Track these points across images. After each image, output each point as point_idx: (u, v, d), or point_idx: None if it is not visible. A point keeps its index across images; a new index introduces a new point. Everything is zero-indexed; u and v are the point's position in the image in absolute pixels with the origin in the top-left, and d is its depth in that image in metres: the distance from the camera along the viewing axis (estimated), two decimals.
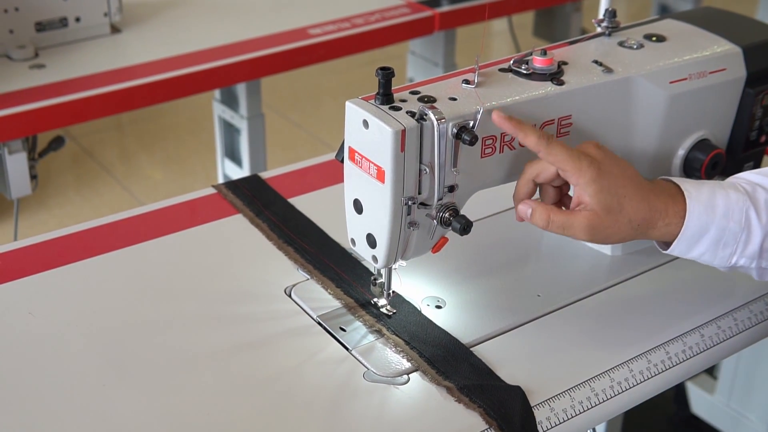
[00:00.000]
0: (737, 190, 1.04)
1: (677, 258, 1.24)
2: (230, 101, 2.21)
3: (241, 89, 2.15)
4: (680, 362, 1.10)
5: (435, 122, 0.99)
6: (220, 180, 2.36)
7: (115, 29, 1.95)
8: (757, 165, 1.32)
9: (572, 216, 1.02)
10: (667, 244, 1.06)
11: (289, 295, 1.16)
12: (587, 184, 1.01)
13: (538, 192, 1.08)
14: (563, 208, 1.07)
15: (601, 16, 1.22)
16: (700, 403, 2.03)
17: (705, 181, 1.06)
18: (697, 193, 1.04)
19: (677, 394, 2.09)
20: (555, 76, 1.09)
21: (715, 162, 1.21)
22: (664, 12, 3.29)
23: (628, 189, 1.02)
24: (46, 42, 1.86)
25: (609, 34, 1.21)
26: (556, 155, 1.01)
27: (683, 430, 2.11)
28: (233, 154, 2.31)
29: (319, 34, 1.96)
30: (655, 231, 1.04)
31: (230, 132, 2.28)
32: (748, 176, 1.08)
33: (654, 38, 1.20)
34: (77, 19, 1.87)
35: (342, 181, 1.07)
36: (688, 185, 1.05)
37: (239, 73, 1.88)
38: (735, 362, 1.91)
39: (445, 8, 2.10)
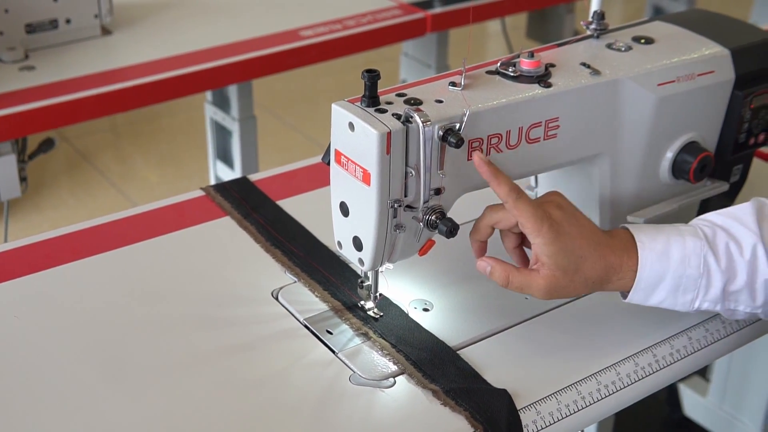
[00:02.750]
0: (696, 236, 1.04)
1: None
2: (222, 103, 2.21)
3: (232, 91, 2.15)
4: (667, 365, 1.10)
5: (421, 125, 0.99)
6: (213, 182, 2.36)
7: (105, 31, 1.95)
8: (746, 168, 1.31)
9: (530, 277, 1.03)
10: (626, 294, 1.07)
11: (276, 298, 1.16)
12: (545, 244, 1.02)
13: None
14: (523, 252, 1.09)
15: (590, 18, 1.22)
16: (693, 405, 2.03)
17: (662, 228, 1.06)
18: (651, 242, 1.04)
19: (670, 396, 2.09)
20: (542, 78, 1.09)
21: (704, 164, 1.21)
22: (658, 14, 3.28)
23: (585, 250, 1.03)
24: (37, 44, 1.85)
25: (597, 37, 1.21)
26: (522, 211, 1.02)
27: None
28: (225, 156, 2.30)
29: (310, 35, 1.96)
30: (610, 285, 1.05)
31: (222, 134, 2.28)
32: (711, 218, 1.08)
33: (642, 40, 1.20)
34: (68, 21, 1.87)
35: (330, 183, 1.07)
36: (642, 235, 1.05)
37: (230, 74, 1.88)
38: (727, 365, 1.90)
39: (437, 10, 2.10)
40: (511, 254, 1.09)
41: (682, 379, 2.00)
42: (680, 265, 1.03)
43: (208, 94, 2.25)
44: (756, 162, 1.41)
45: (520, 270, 1.04)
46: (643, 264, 1.04)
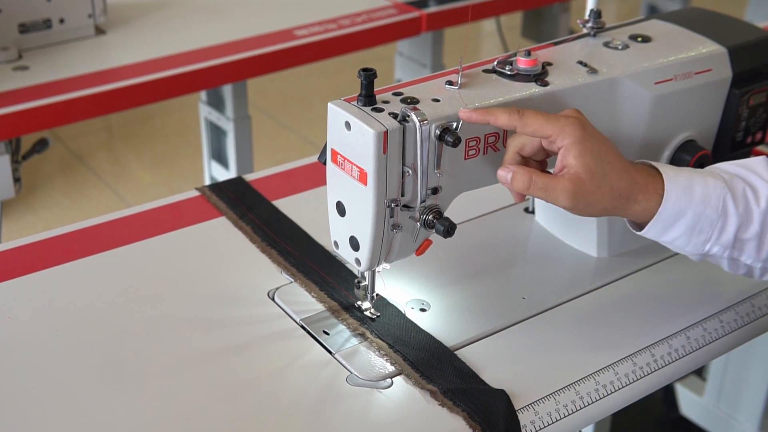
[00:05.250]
0: (715, 178, 1.03)
1: (663, 260, 1.24)
2: (216, 103, 2.20)
3: (227, 91, 2.15)
4: (666, 365, 1.10)
5: (417, 124, 0.98)
6: (207, 182, 2.35)
7: (99, 31, 1.94)
8: None
9: (555, 178, 0.99)
10: (641, 226, 1.04)
11: (273, 299, 1.15)
12: (572, 144, 0.98)
13: None
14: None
15: (586, 17, 1.21)
16: (690, 404, 2.03)
17: (683, 168, 1.05)
18: (676, 176, 1.02)
19: (666, 396, 2.08)
20: (539, 77, 1.09)
21: (701, 163, 1.21)
22: (653, 13, 3.28)
23: (610, 156, 1.00)
24: (30, 44, 1.84)
25: (594, 35, 1.20)
26: (533, 124, 0.99)
27: None
28: (220, 156, 2.30)
29: (305, 35, 1.95)
30: (636, 206, 1.01)
31: (217, 134, 2.27)
32: (726, 167, 1.06)
33: (639, 39, 1.20)
34: (61, 21, 1.86)
35: (326, 182, 1.06)
36: (666, 168, 1.03)
37: (225, 74, 1.87)
38: (724, 364, 1.90)
39: (432, 9, 2.10)
40: None
41: (679, 379, 2.00)
42: (701, 203, 1.01)
43: (203, 94, 2.24)
44: None
45: (544, 172, 0.99)
46: (669, 194, 1.01)
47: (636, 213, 1.02)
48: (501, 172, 1.01)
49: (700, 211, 1.01)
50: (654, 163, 1.04)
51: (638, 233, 1.05)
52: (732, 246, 1.03)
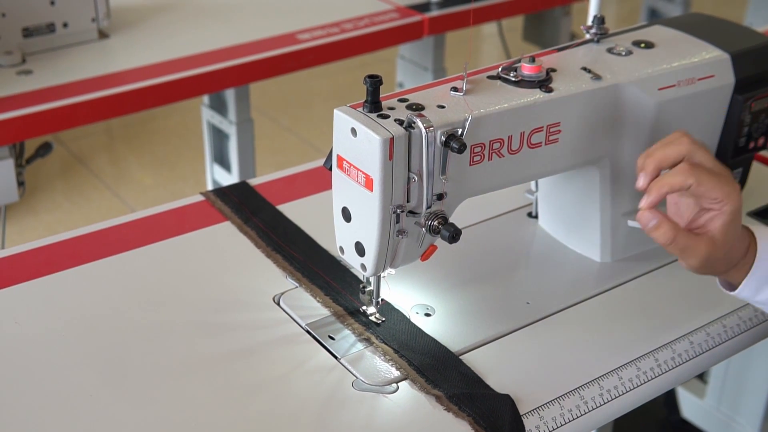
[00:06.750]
0: None
1: (666, 265, 1.24)
2: (219, 106, 2.21)
3: (229, 95, 2.15)
4: (669, 369, 1.10)
5: (423, 130, 0.99)
6: (209, 185, 2.36)
7: (102, 35, 1.95)
8: (746, 171, 1.32)
9: (696, 241, 0.98)
10: (733, 287, 1.04)
11: (278, 304, 1.16)
12: (729, 213, 0.97)
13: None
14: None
15: (589, 23, 1.22)
16: (691, 407, 2.03)
17: None
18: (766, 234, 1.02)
19: (667, 398, 2.09)
20: (543, 83, 1.09)
21: None
22: (654, 16, 3.29)
23: (740, 226, 1.00)
24: (34, 48, 1.85)
25: (597, 41, 1.21)
26: (706, 183, 0.96)
27: None
28: (222, 160, 2.30)
29: (307, 39, 1.96)
30: (735, 270, 1.02)
31: (219, 137, 2.28)
32: None
33: (642, 45, 1.20)
34: (65, 25, 1.86)
35: (331, 187, 1.07)
36: (757, 227, 1.03)
37: (227, 78, 1.87)
38: (725, 366, 1.91)
39: (434, 13, 2.10)
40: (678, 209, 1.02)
41: (680, 384, 2.00)
42: None
43: (205, 98, 2.24)
44: (755, 165, 1.41)
45: (687, 232, 0.98)
46: (761, 254, 1.00)
47: (734, 274, 1.03)
48: (647, 215, 0.98)
49: None
50: (748, 226, 1.04)
51: (731, 293, 1.05)
52: None
